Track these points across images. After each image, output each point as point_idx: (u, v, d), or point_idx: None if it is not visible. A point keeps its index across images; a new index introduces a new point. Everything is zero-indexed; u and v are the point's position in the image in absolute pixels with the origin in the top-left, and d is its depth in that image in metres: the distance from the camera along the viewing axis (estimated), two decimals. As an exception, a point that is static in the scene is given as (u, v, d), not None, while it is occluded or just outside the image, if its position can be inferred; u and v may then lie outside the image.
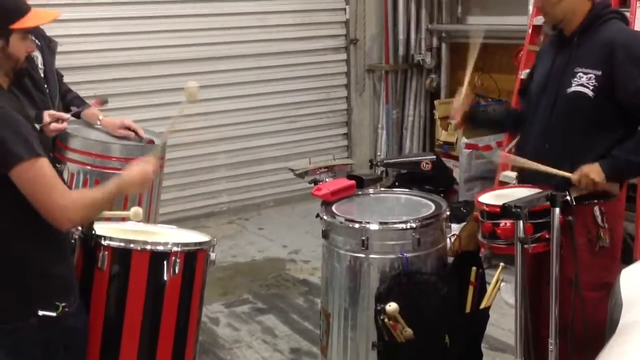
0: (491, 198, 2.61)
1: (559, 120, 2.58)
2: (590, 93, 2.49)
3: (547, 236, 2.47)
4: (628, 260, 3.73)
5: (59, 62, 3.15)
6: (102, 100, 3.19)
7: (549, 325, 2.48)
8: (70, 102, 3.11)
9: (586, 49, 2.53)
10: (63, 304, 2.01)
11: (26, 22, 2.00)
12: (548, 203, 2.42)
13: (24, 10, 2.00)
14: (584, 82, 2.50)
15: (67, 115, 2.84)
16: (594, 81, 2.48)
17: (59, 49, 3.12)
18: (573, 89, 2.52)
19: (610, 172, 2.45)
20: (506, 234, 2.46)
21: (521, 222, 2.30)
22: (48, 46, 3.02)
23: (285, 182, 5.94)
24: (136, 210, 2.40)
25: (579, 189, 2.48)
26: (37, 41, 2.88)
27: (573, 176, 2.47)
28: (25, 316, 1.98)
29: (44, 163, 1.92)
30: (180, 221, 5.05)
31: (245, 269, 4.73)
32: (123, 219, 2.54)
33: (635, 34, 2.81)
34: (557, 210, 2.36)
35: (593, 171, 2.44)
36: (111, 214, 2.67)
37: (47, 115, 2.75)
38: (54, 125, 2.76)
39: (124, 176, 2.12)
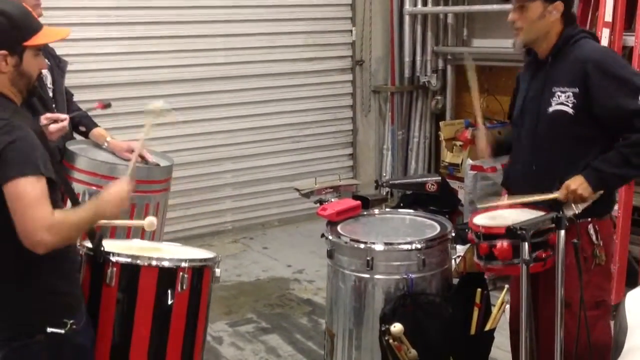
0: (486, 219, 2.62)
1: (543, 140, 2.62)
2: (571, 110, 2.54)
3: (543, 256, 2.48)
4: (634, 283, 3.72)
5: (68, 80, 3.18)
6: (105, 104, 3.16)
7: (544, 345, 2.47)
8: (79, 121, 3.13)
9: (561, 69, 2.58)
10: (71, 322, 2.02)
11: (38, 39, 2.01)
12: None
13: (36, 28, 2.02)
14: (562, 100, 2.55)
15: (64, 116, 2.79)
16: (572, 98, 2.53)
17: (68, 67, 3.15)
18: (553, 108, 2.57)
19: (596, 184, 2.48)
20: (504, 254, 2.47)
21: (526, 244, 2.31)
22: (58, 65, 3.03)
23: (290, 201, 5.96)
24: (150, 220, 2.33)
25: (570, 207, 2.49)
26: (46, 60, 2.90)
27: (560, 195, 2.49)
28: (33, 333, 1.98)
29: (34, 182, 1.86)
30: (184, 240, 5.06)
31: (250, 289, 4.72)
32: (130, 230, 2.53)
33: (607, 51, 2.86)
34: (563, 232, 2.37)
35: (579, 186, 2.47)
36: (125, 223, 2.67)
37: (43, 118, 2.71)
38: (53, 127, 2.71)
39: (101, 197, 2.09)
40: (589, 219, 2.58)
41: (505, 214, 2.61)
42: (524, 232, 2.28)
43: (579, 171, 2.51)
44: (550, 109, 2.58)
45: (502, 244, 2.45)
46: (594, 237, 2.58)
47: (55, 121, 2.74)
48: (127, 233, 2.84)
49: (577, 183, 2.48)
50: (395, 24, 6.14)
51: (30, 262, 1.96)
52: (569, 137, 2.57)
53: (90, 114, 3.21)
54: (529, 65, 2.77)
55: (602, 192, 2.52)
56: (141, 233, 2.89)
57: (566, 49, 2.59)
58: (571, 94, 2.54)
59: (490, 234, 2.51)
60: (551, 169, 2.60)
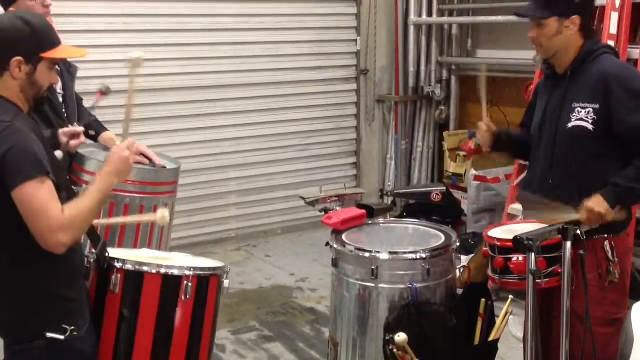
0: (501, 233, 2.62)
1: (561, 156, 2.60)
2: (590, 127, 2.51)
3: (559, 270, 2.46)
4: (637, 296, 3.71)
5: (77, 87, 3.20)
6: (104, 91, 3.19)
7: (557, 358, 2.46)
8: (89, 125, 3.15)
9: (581, 84, 2.56)
10: (72, 328, 2.02)
11: (56, 53, 2.07)
12: (560, 237, 2.42)
13: (55, 42, 2.08)
14: (582, 116, 2.53)
15: (80, 129, 2.85)
16: (592, 114, 2.51)
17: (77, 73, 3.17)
18: (573, 123, 2.55)
19: (613, 200, 2.46)
20: (519, 268, 2.46)
21: (533, 254, 2.31)
22: (68, 71, 3.06)
23: (294, 210, 5.96)
24: (162, 213, 2.23)
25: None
26: (57, 66, 2.92)
27: (581, 217, 2.46)
28: (33, 338, 1.99)
29: (40, 185, 1.89)
30: (188, 247, 5.08)
31: (253, 297, 4.72)
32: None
33: (628, 67, 2.84)
34: (569, 243, 2.36)
35: (597, 204, 2.44)
36: (136, 219, 2.68)
37: (62, 135, 2.76)
38: (72, 143, 2.78)
39: (105, 171, 2.06)
40: (605, 235, 2.56)
41: (521, 228, 2.57)
42: (530, 242, 2.28)
43: (597, 188, 2.48)
44: (570, 125, 2.55)
45: (518, 258, 2.44)
46: (609, 254, 2.55)
47: (73, 135, 2.78)
48: (136, 235, 2.85)
49: (594, 202, 2.45)
50: (400, 34, 6.17)
51: (30, 266, 1.97)
52: (587, 154, 2.55)
53: (98, 116, 3.24)
54: (547, 79, 2.74)
55: (625, 213, 2.49)
56: (148, 239, 2.90)
57: (586, 64, 2.56)
58: (591, 109, 2.51)
59: (506, 248, 2.50)
60: (569, 185, 2.57)
